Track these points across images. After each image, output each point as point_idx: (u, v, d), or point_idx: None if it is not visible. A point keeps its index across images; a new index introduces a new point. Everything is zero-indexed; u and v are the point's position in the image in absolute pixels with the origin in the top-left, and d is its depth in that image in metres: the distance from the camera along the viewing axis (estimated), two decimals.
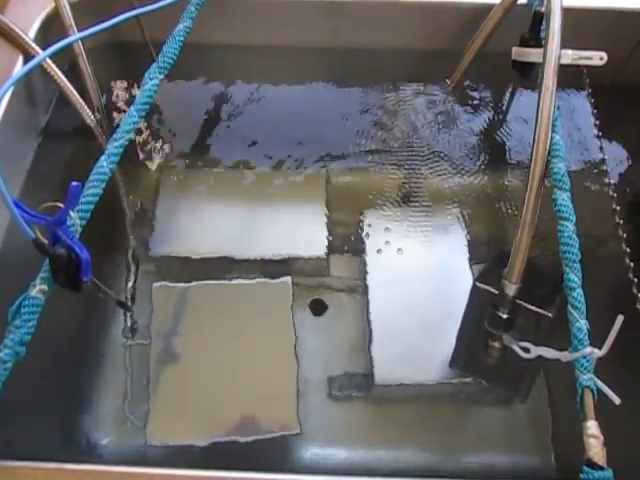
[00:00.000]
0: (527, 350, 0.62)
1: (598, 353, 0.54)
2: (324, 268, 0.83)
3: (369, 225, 0.86)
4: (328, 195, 0.88)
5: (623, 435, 0.59)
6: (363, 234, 0.85)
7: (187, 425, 0.71)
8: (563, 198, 0.63)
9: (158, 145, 0.93)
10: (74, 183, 0.50)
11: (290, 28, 0.94)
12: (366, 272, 0.81)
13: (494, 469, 0.70)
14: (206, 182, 0.90)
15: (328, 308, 0.81)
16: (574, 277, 0.59)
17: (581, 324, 0.56)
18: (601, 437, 0.50)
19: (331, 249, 0.84)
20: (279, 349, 0.76)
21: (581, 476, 0.50)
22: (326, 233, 0.85)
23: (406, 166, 0.91)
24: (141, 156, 0.92)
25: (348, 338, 0.78)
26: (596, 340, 0.56)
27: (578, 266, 0.60)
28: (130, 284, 0.81)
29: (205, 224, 0.86)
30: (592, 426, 0.51)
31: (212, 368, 0.74)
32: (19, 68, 0.77)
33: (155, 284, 0.80)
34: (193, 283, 0.80)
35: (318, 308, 0.81)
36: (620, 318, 0.53)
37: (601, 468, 0.49)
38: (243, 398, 0.73)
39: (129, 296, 0.80)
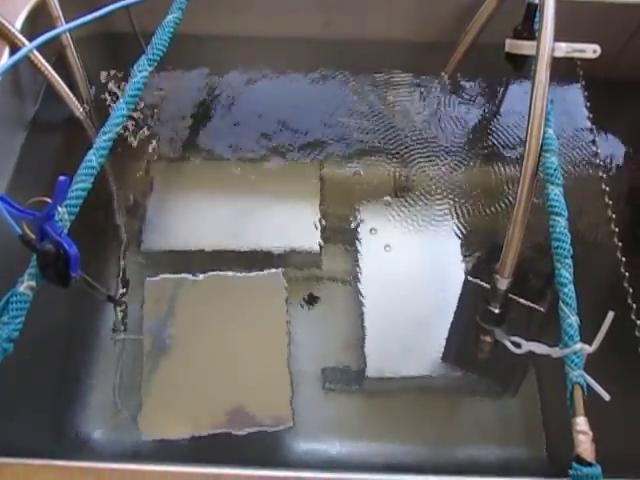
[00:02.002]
0: (518, 345, 0.63)
1: (588, 349, 0.54)
2: (317, 261, 0.83)
3: (362, 218, 0.85)
4: (321, 188, 0.88)
5: (613, 431, 0.59)
6: (356, 227, 0.85)
7: (180, 418, 0.71)
8: (555, 193, 0.62)
9: (149, 138, 0.92)
10: (61, 177, 0.49)
11: (283, 19, 0.93)
12: (359, 265, 0.81)
13: (486, 462, 0.70)
14: (199, 175, 0.90)
15: (321, 301, 0.80)
16: (565, 273, 0.59)
17: (572, 320, 0.56)
18: (590, 433, 0.51)
19: (325, 243, 0.84)
20: (272, 342, 0.76)
21: (570, 472, 0.50)
22: (319, 226, 0.85)
23: (399, 159, 0.90)
24: (132, 149, 0.91)
25: (341, 331, 0.78)
26: (587, 336, 0.56)
27: (570, 262, 0.60)
28: (121, 277, 0.80)
29: (198, 217, 0.85)
30: (581, 422, 0.51)
31: (205, 361, 0.74)
32: (5, 60, 0.76)
33: (147, 277, 0.80)
34: (186, 276, 0.80)
35: (311, 301, 0.81)
36: (611, 314, 0.53)
37: (590, 464, 0.49)
38: (236, 391, 0.73)
39: (120, 291, 0.80)
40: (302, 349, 0.76)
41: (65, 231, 0.56)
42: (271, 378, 0.74)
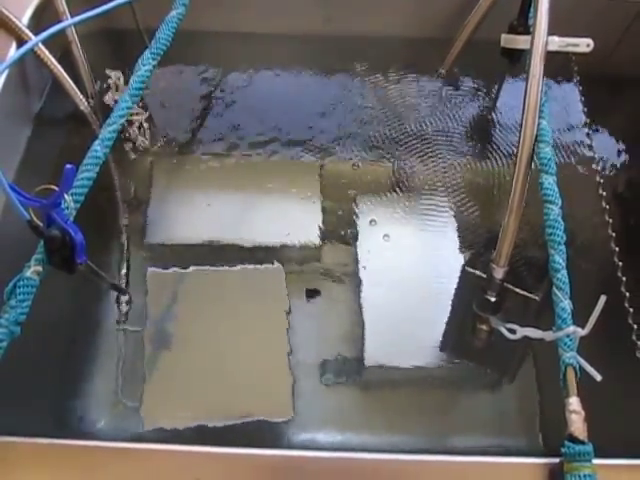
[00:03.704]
0: (513, 331, 0.64)
1: (581, 332, 0.55)
2: (317, 255, 0.84)
3: (361, 212, 0.86)
4: (321, 183, 0.89)
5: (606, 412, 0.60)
6: (356, 221, 0.86)
7: (181, 409, 0.71)
8: (549, 182, 0.64)
9: (151, 132, 0.93)
10: (68, 166, 0.50)
11: (283, 15, 0.94)
12: (358, 259, 0.82)
13: (483, 448, 0.71)
14: (200, 170, 0.90)
15: (321, 294, 0.81)
16: (559, 259, 0.60)
17: (565, 304, 0.58)
18: (582, 413, 0.52)
19: (324, 236, 0.84)
20: (272, 335, 0.77)
21: (562, 450, 0.51)
22: (319, 220, 0.85)
23: (398, 153, 0.92)
24: (135, 144, 0.92)
25: (340, 324, 0.78)
26: (582, 324, 0.57)
27: (563, 248, 0.61)
28: (124, 270, 0.81)
29: (199, 211, 0.86)
30: (574, 402, 0.52)
31: (206, 353, 0.75)
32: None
33: (149, 270, 0.81)
34: (187, 269, 0.81)
35: (311, 295, 0.81)
36: (603, 298, 0.54)
37: (582, 443, 0.50)
38: (236, 383, 0.73)
39: (123, 281, 0.81)
40: (302, 342, 0.76)
41: (71, 218, 0.57)
42: (271, 370, 0.74)
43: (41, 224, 0.54)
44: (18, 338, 0.55)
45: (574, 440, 0.51)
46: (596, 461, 0.51)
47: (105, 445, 0.55)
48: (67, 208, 0.57)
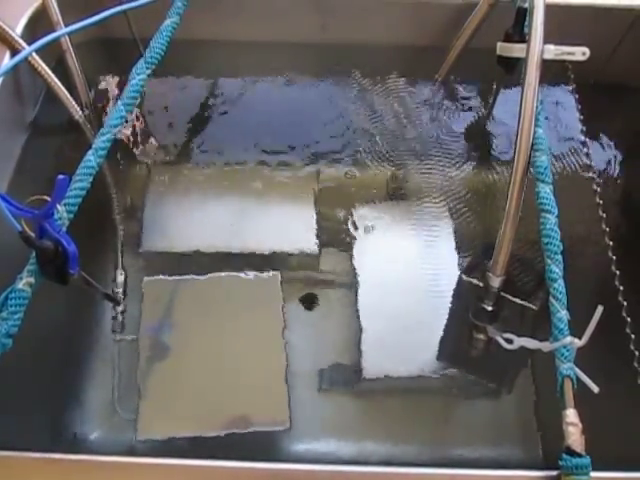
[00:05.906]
0: (510, 341, 0.63)
1: (578, 343, 0.55)
2: (314, 263, 0.84)
3: (359, 221, 0.86)
4: (318, 191, 0.89)
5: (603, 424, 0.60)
6: (353, 229, 0.86)
7: (176, 419, 0.71)
8: (545, 191, 0.64)
9: (147, 141, 0.93)
10: (61, 176, 0.50)
11: (279, 24, 0.95)
12: (355, 267, 0.82)
13: (481, 459, 0.71)
14: (196, 178, 0.91)
15: (318, 303, 0.81)
16: (555, 268, 0.60)
17: (562, 314, 0.57)
18: (580, 425, 0.52)
19: (321, 244, 0.84)
20: (269, 343, 0.77)
21: (560, 463, 0.51)
22: (316, 229, 0.85)
23: (395, 161, 0.92)
24: (130, 152, 0.92)
25: (338, 332, 0.79)
26: (579, 333, 0.57)
27: (559, 258, 0.61)
28: (120, 279, 0.81)
29: (195, 220, 0.86)
30: (571, 414, 0.52)
31: (202, 362, 0.75)
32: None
33: (145, 279, 0.81)
34: (183, 277, 0.81)
35: (308, 303, 0.81)
36: (600, 309, 0.54)
37: (579, 455, 0.50)
38: (233, 392, 0.73)
39: (118, 290, 0.80)
40: (299, 350, 0.76)
41: (64, 229, 0.57)
42: (268, 379, 0.74)
43: (33, 235, 0.53)
44: (11, 350, 0.54)
45: (572, 453, 0.50)
46: (594, 474, 0.50)
47: (100, 459, 0.54)
48: (60, 218, 0.57)
